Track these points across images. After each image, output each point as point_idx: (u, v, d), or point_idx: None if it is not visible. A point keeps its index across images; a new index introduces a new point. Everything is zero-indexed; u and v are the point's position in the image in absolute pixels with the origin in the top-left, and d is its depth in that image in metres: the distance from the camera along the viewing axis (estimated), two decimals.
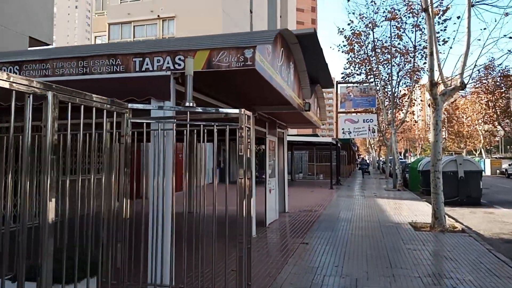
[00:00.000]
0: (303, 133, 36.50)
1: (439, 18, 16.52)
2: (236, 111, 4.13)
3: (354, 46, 20.60)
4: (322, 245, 7.01)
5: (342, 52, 21.17)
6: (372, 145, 52.63)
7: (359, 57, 21.31)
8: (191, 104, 4.06)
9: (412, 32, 19.57)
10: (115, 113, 3.68)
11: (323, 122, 11.91)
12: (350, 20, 26.80)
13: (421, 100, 40.53)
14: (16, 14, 9.93)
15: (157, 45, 5.01)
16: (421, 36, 19.36)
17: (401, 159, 35.30)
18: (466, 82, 8.82)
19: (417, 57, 19.83)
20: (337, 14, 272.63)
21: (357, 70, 21.81)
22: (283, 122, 10.71)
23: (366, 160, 40.49)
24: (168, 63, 4.56)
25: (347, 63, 21.65)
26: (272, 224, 9.22)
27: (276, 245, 7.15)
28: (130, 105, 3.94)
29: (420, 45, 19.45)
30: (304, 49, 6.76)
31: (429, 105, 9.07)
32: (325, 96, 12.28)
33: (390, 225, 9.07)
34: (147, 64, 4.62)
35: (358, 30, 20.27)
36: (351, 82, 22.86)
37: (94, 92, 3.31)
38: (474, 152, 51.69)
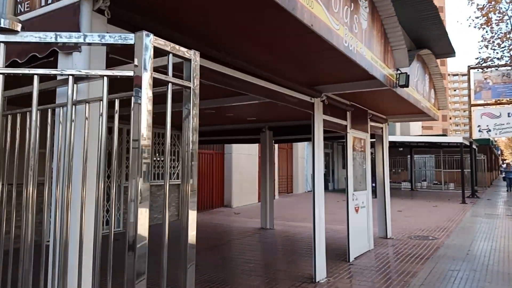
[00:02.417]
0: (429, 134, 31.14)
1: None
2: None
3: (492, 16, 15.78)
4: None
5: (474, 27, 16.50)
6: None
7: (499, 32, 16.33)
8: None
9: None
10: None
11: (442, 111, 8.40)
12: None
13: None
14: None
15: None
16: None
17: None
18: None
19: None
20: None
21: (496, 52, 16.78)
22: (379, 113, 7.72)
23: None
24: None
25: (482, 40, 16.84)
26: (361, 259, 6.37)
27: None
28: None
29: None
30: None
31: None
32: (451, 82, 8.75)
33: None
34: None
35: None
36: (489, 66, 17.80)
37: None
38: None
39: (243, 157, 14.18)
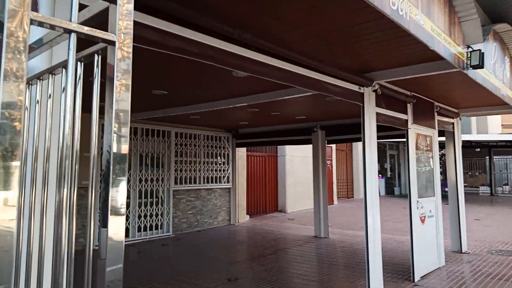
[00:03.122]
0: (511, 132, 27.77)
1: None
2: None
3: None
4: None
5: None
6: None
7: None
8: None
9: None
10: None
11: None
12: None
13: None
14: None
15: None
16: None
17: None
18: None
19: None
20: None
21: None
22: (448, 105, 6.61)
23: None
24: None
25: None
26: (428, 279, 5.38)
27: None
28: None
29: None
30: None
31: None
32: None
33: None
34: None
35: None
36: None
37: None
38: None
39: (298, 160, 13.46)
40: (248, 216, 11.29)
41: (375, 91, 4.40)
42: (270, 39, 2.96)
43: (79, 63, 1.24)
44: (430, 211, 5.76)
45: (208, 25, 2.54)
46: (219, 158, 10.38)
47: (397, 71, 4.12)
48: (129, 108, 1.09)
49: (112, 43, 1.03)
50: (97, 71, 1.16)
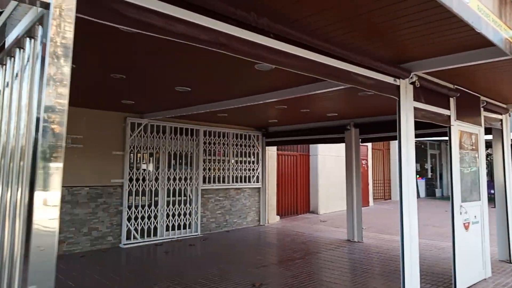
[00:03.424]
0: None
1: None
2: None
3: None
4: None
5: None
6: None
7: None
8: None
9: None
10: None
11: None
12: None
13: None
14: None
15: None
16: None
17: None
18: None
19: None
20: None
21: None
22: (496, 100, 5.99)
23: None
24: None
25: None
26: None
27: None
28: None
29: None
30: None
31: None
32: None
33: None
34: None
35: None
36: None
37: None
38: None
39: (330, 159, 12.99)
40: (278, 217, 10.99)
41: (412, 83, 3.97)
42: (289, 25, 2.66)
43: (28, 40, 1.02)
44: (475, 216, 5.22)
45: (219, 8, 2.28)
46: (248, 157, 10.15)
47: (438, 61, 3.68)
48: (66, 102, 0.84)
49: (47, 5, 0.79)
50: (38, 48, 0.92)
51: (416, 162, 21.07)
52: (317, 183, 12.49)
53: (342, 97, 5.78)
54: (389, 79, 3.74)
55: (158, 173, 8.25)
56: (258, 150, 10.37)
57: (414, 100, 4.05)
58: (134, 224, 7.80)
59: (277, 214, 11.09)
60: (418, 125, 4.23)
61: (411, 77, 3.92)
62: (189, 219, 8.74)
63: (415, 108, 4.06)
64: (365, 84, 3.50)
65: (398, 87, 3.87)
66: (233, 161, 9.75)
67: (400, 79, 3.86)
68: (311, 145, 12.76)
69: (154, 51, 3.59)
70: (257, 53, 2.55)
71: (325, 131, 8.82)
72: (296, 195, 12.19)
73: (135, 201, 7.84)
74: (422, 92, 4.15)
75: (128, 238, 7.68)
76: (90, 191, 7.26)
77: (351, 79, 3.30)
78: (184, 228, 8.65)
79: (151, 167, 8.18)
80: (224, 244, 7.73)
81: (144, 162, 8.12)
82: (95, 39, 3.27)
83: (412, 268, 4.02)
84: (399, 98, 3.89)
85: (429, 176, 19.68)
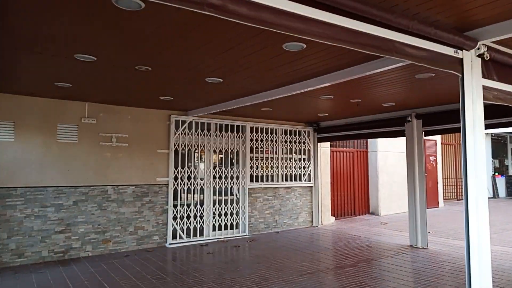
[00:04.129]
0: None
1: None
2: None
3: None
4: None
5: None
6: None
7: None
8: None
9: None
10: None
11: None
12: None
13: None
14: None
15: None
16: None
17: None
18: None
19: None
20: None
21: None
22: None
23: None
24: None
25: None
26: None
27: None
28: None
29: None
30: None
31: None
32: None
33: None
34: None
35: None
36: None
37: None
38: None
39: (392, 156, 11.91)
40: (333, 218, 10.26)
41: (480, 55, 3.17)
42: None
43: None
44: None
45: None
46: (299, 154, 9.57)
47: None
48: None
49: None
50: None
51: (495, 157, 18.85)
52: (377, 181, 11.51)
53: (396, 82, 5.01)
54: (448, 50, 2.99)
55: (204, 171, 8.02)
56: (310, 146, 9.74)
57: (483, 77, 3.24)
58: (180, 224, 7.63)
59: (332, 215, 10.36)
60: (492, 112, 3.40)
61: (478, 48, 3.12)
62: (236, 219, 8.40)
63: (485, 88, 3.24)
64: (415, 57, 2.80)
65: (461, 60, 3.10)
66: (282, 158, 9.24)
67: (463, 51, 3.09)
68: (369, 141, 11.82)
69: (172, 35, 3.23)
70: (266, 18, 2.03)
71: (382, 124, 7.97)
72: (354, 194, 11.34)
73: (180, 200, 7.68)
74: (494, 67, 3.31)
75: (174, 237, 7.53)
76: (136, 189, 7.21)
77: (394, 50, 2.63)
78: (231, 228, 8.33)
79: (196, 165, 7.97)
80: (271, 247, 7.26)
81: (189, 160, 7.93)
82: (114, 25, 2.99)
83: (481, 283, 3.22)
84: (462, 74, 3.11)
85: (510, 174, 17.42)
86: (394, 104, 6.74)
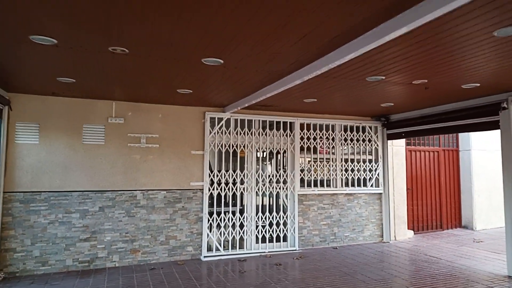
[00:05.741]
0: None
1: None
2: None
3: None
4: None
5: None
6: None
7: None
8: None
9: None
10: None
11: None
12: None
13: None
14: None
15: None
16: None
17: None
18: None
19: None
20: None
21: None
22: None
23: None
24: None
25: None
26: None
27: None
28: None
29: None
30: None
31: None
32: None
33: None
34: None
35: None
36: None
37: None
38: None
39: (491, 155, 9.52)
40: (411, 232, 8.45)
41: None
42: None
43: None
44: None
45: None
46: (363, 154, 8.03)
47: None
48: None
49: None
50: None
51: None
52: (471, 188, 9.29)
53: (478, 43, 3.41)
54: None
55: (244, 175, 7.03)
56: (377, 145, 8.11)
57: None
58: (217, 234, 6.77)
59: (410, 228, 8.55)
60: None
61: None
62: (283, 230, 7.25)
63: None
64: None
65: None
66: (342, 159, 7.81)
67: None
68: (461, 137, 9.63)
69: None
70: None
71: (466, 114, 6.10)
72: (440, 203, 9.28)
73: (217, 207, 6.82)
74: None
75: (209, 249, 6.70)
76: (168, 195, 6.56)
77: None
78: (278, 240, 7.20)
79: (235, 168, 7.02)
80: (319, 267, 5.96)
81: (227, 162, 7.03)
82: None
83: None
84: None
85: None
86: (479, 85, 4.95)
